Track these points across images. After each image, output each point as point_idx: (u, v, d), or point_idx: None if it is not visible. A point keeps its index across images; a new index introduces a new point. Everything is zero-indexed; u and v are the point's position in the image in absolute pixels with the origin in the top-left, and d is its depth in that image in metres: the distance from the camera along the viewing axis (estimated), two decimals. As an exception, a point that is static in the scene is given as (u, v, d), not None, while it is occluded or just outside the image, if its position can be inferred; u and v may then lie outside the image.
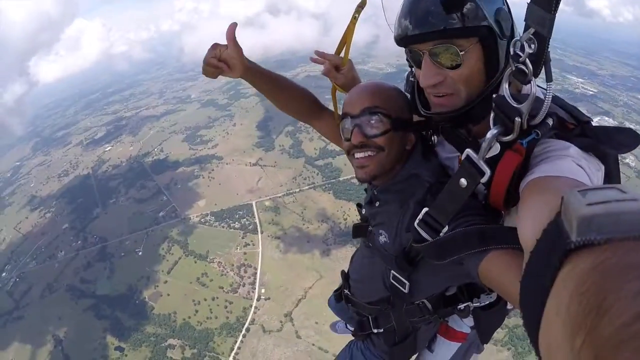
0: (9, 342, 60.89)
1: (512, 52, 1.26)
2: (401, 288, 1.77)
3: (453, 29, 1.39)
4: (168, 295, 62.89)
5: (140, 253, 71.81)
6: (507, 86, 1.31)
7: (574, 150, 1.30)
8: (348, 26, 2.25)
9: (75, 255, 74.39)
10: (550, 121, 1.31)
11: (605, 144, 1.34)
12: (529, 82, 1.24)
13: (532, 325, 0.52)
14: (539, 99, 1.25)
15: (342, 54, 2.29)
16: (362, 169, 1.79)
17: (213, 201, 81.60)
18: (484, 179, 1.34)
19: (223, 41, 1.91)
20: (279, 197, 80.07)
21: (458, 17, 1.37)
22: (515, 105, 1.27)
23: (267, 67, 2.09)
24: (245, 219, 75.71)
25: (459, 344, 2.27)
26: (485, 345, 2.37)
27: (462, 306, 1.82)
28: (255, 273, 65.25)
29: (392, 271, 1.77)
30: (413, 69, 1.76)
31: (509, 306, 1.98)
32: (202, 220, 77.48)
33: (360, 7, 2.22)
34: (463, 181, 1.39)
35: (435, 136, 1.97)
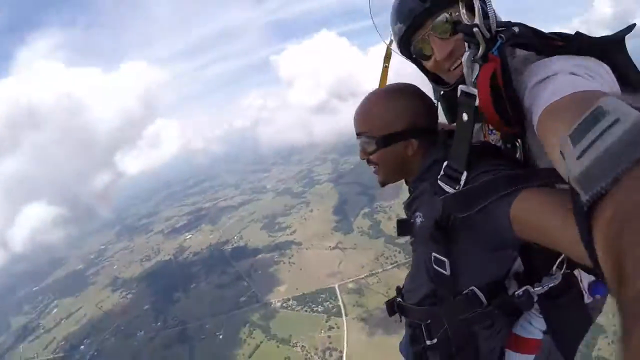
0: None
1: None
2: (443, 270, 1.65)
3: (435, 2, 1.58)
4: None
5: (221, 336, 70.65)
6: (463, 11, 1.46)
7: (560, 62, 1.36)
8: (381, 76, 2.51)
9: (154, 336, 74.96)
10: (515, 28, 1.44)
11: (600, 43, 1.44)
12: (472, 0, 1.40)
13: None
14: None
15: None
16: (377, 176, 1.96)
17: (294, 286, 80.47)
18: (477, 101, 1.43)
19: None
20: (362, 278, 77.18)
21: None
22: (469, 21, 1.43)
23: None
24: (328, 302, 73.27)
25: (533, 355, 1.85)
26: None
27: (520, 291, 1.58)
28: (341, 356, 61.17)
29: (432, 253, 1.68)
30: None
31: (587, 299, 1.70)
32: (284, 304, 76.17)
33: (388, 57, 2.47)
34: (464, 115, 1.48)
35: None
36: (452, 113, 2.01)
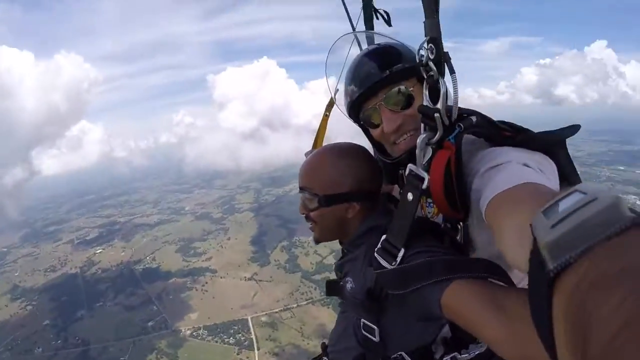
0: None
1: (417, 60, 1.46)
2: (372, 337, 1.68)
3: (394, 73, 1.64)
4: None
5: (125, 362, 66.42)
6: (426, 92, 1.48)
7: (513, 153, 1.41)
8: (321, 123, 2.73)
9: (53, 355, 70.18)
10: (473, 118, 1.47)
11: (547, 140, 1.51)
12: (437, 81, 1.43)
13: (553, 355, 0.52)
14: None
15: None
16: (312, 232, 1.98)
17: (206, 314, 78.70)
18: (424, 184, 1.42)
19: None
20: (276, 312, 77.43)
21: (401, 62, 1.66)
22: (432, 105, 1.45)
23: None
24: (240, 334, 72.40)
25: None
26: None
27: (447, 358, 1.66)
28: (252, 391, 59.83)
29: (362, 320, 1.72)
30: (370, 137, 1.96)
31: None
32: (194, 333, 74.11)
33: (330, 106, 2.65)
34: (410, 195, 1.47)
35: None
36: (390, 178, 2.12)
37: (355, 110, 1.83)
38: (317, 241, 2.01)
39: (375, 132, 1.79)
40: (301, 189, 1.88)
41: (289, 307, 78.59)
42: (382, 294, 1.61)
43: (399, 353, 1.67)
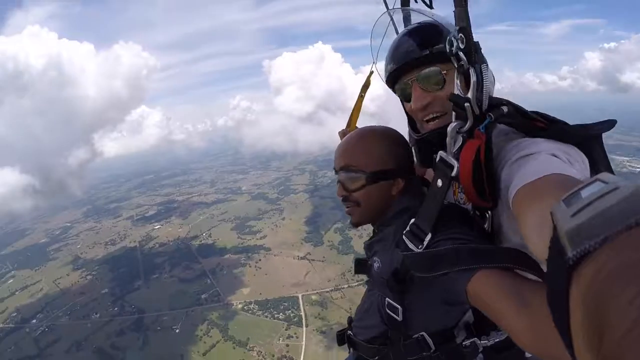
0: None
1: (447, 50, 1.47)
2: (395, 316, 1.71)
3: (433, 53, 1.63)
4: None
5: (177, 330, 69.13)
6: (457, 82, 1.51)
7: (544, 144, 1.41)
8: (356, 103, 2.76)
9: (110, 320, 73.35)
10: (504, 108, 1.47)
11: (581, 132, 1.50)
12: (468, 71, 1.44)
13: (569, 344, 0.51)
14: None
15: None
16: (350, 216, 1.95)
17: (258, 290, 79.50)
18: (453, 172, 1.46)
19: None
20: (327, 292, 76.67)
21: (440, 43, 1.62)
22: (462, 94, 1.47)
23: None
24: (290, 311, 72.58)
25: None
26: None
27: (467, 342, 1.70)
28: (297, 366, 60.09)
29: (387, 299, 1.75)
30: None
31: (528, 355, 1.82)
32: (245, 307, 75.15)
33: (366, 87, 2.73)
34: (439, 182, 1.52)
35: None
36: (423, 157, 1.94)
37: (391, 82, 1.85)
38: (357, 224, 1.98)
39: (407, 106, 1.81)
40: (343, 168, 1.87)
41: (339, 287, 77.52)
42: (408, 275, 1.63)
43: (421, 333, 1.71)
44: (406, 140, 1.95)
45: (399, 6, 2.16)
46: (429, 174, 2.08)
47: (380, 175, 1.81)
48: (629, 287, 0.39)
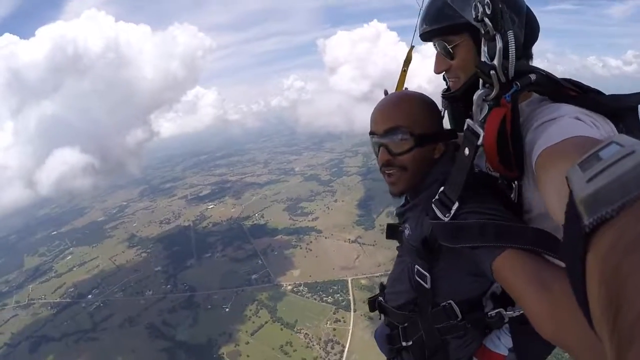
0: (75, 357, 62.99)
1: (473, 15, 1.43)
2: (423, 283, 1.76)
3: (441, 27, 1.66)
4: (248, 356, 60.18)
5: (227, 309, 70.74)
6: (485, 49, 1.46)
7: (567, 107, 1.42)
8: (399, 78, 2.86)
9: (162, 298, 76.01)
10: (532, 76, 1.44)
11: (614, 103, 1.47)
12: (494, 37, 1.41)
13: (587, 315, 0.50)
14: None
15: None
16: (393, 185, 1.88)
17: (308, 272, 79.43)
18: (479, 141, 1.46)
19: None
20: (377, 276, 74.27)
21: (448, 18, 1.64)
22: (488, 62, 1.44)
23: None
24: (339, 295, 71.80)
25: None
26: None
27: (493, 312, 1.73)
28: (343, 350, 59.65)
29: (416, 265, 1.78)
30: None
31: None
32: (294, 289, 75.35)
33: (408, 62, 2.90)
34: (466, 150, 1.52)
35: None
36: (456, 120, 2.10)
37: (426, 40, 1.85)
38: (402, 192, 1.92)
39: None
40: (389, 130, 1.81)
41: (389, 272, 75.06)
42: (436, 244, 1.65)
43: (448, 302, 1.75)
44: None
45: None
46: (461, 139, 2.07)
47: (427, 138, 1.80)
48: None
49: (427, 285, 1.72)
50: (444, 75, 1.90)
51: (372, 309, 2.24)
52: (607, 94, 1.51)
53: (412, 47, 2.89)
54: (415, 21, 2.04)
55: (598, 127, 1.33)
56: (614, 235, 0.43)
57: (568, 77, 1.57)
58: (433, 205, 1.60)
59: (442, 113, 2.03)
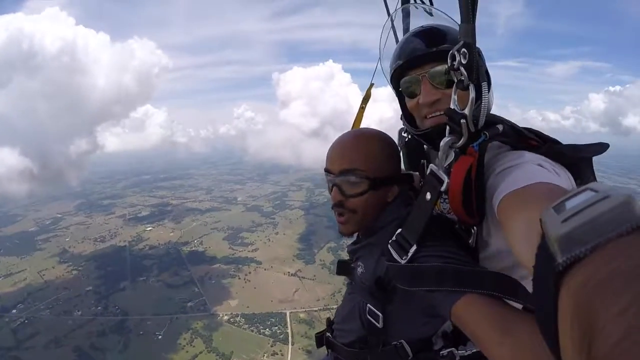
0: None
1: (449, 64, 1.44)
2: (375, 322, 1.73)
3: (444, 50, 1.55)
4: None
5: (160, 337, 67.64)
6: (455, 97, 1.47)
7: (529, 155, 1.45)
8: (357, 115, 2.95)
9: (92, 319, 72.12)
10: (500, 127, 1.48)
11: (572, 153, 1.52)
12: (467, 87, 1.42)
13: (556, 352, 0.51)
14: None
15: None
16: (343, 225, 1.87)
17: (245, 303, 78.23)
18: (443, 187, 1.45)
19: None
20: (315, 310, 75.48)
21: (452, 42, 1.58)
22: (459, 110, 1.45)
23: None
24: (276, 327, 71.28)
25: None
26: None
27: (445, 352, 1.71)
28: (280, 384, 58.32)
29: (368, 305, 1.77)
30: (402, 119, 1.98)
31: None
32: (231, 319, 73.81)
33: (366, 99, 2.98)
34: (428, 195, 1.50)
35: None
36: (410, 161, 2.23)
37: (397, 78, 1.82)
38: (352, 233, 1.92)
39: (410, 102, 1.79)
40: (344, 171, 1.79)
41: (328, 307, 76.01)
42: (391, 284, 1.65)
43: (400, 341, 1.73)
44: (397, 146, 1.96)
45: (400, 9, 2.19)
46: (416, 178, 2.16)
47: (382, 182, 1.78)
48: (619, 297, 0.39)
49: (380, 325, 1.72)
50: (403, 115, 1.95)
51: (319, 345, 2.26)
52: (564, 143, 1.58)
53: (371, 85, 3.01)
54: (371, 66, 2.32)
55: (559, 174, 1.38)
56: (587, 274, 0.44)
57: (529, 127, 1.63)
58: (390, 246, 1.60)
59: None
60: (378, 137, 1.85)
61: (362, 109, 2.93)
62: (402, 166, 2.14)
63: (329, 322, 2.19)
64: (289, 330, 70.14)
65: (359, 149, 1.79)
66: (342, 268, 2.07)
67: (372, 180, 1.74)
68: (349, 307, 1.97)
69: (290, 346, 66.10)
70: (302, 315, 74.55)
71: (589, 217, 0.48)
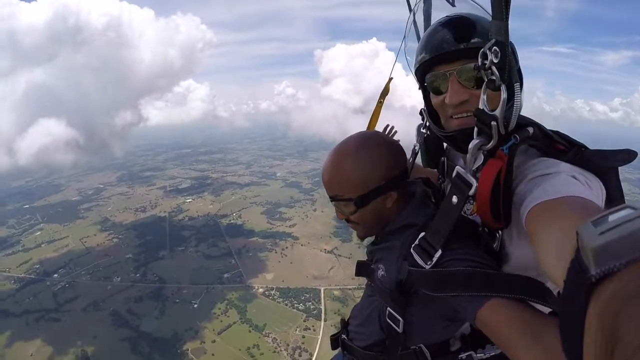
0: (34, 336, 61.16)
1: (479, 63, 1.36)
2: (395, 327, 1.73)
3: (476, 47, 1.43)
4: (212, 355, 59.37)
5: (195, 305, 69.76)
6: (484, 97, 1.39)
7: (564, 165, 1.40)
8: (375, 109, 2.87)
9: (130, 285, 74.93)
10: (530, 129, 1.42)
11: (600, 161, 1.45)
12: (499, 87, 1.34)
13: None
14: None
15: None
16: (355, 232, 1.93)
17: (281, 277, 79.11)
18: (471, 191, 1.41)
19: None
20: (349, 289, 74.81)
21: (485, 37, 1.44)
22: (490, 112, 1.38)
23: None
24: (310, 303, 71.60)
25: None
26: None
27: (463, 355, 1.72)
28: (310, 359, 59.25)
29: (388, 308, 1.76)
30: (424, 115, 1.91)
31: None
32: (265, 292, 74.93)
33: (385, 93, 2.86)
34: (454, 198, 1.46)
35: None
36: (430, 158, 2.15)
37: (422, 72, 1.70)
38: (363, 238, 1.96)
39: (436, 100, 1.69)
40: (332, 198, 1.83)
41: (362, 286, 74.41)
42: (412, 288, 1.62)
43: (419, 345, 1.72)
44: (392, 141, 1.88)
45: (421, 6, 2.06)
46: (435, 176, 2.16)
47: (369, 197, 1.75)
48: None
49: (400, 329, 1.68)
50: (423, 110, 1.87)
51: (334, 347, 2.22)
52: (590, 144, 1.50)
53: (390, 79, 2.86)
54: (415, 45, 1.90)
55: (591, 187, 1.34)
56: (618, 286, 0.45)
57: (556, 130, 1.54)
58: (413, 250, 1.54)
59: (417, 148, 2.12)
60: (352, 153, 1.76)
61: (380, 103, 2.84)
62: (420, 163, 2.21)
63: (344, 324, 2.18)
64: (322, 307, 70.31)
65: (339, 174, 1.76)
66: (362, 269, 2.02)
67: (356, 200, 1.73)
68: (368, 310, 1.96)
69: (322, 322, 66.30)
70: (336, 292, 74.48)
71: (626, 232, 0.47)
